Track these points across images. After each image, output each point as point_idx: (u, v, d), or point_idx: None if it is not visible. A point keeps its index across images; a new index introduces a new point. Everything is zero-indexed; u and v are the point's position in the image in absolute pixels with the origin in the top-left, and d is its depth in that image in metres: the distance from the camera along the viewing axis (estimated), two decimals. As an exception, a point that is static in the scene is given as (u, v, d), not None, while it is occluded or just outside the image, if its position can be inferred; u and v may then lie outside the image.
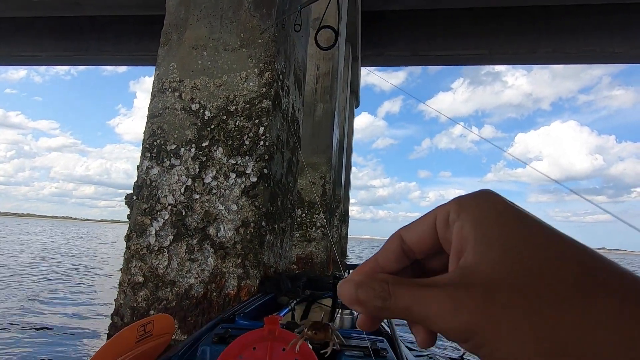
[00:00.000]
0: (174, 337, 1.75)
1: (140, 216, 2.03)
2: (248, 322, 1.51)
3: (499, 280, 0.18)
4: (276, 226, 2.21)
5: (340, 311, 1.41)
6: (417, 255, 0.24)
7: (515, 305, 0.17)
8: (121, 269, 2.00)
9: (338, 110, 6.22)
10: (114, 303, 1.97)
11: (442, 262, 0.24)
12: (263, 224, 1.99)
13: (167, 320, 1.30)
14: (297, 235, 4.88)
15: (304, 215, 4.96)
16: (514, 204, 0.21)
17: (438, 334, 0.22)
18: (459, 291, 0.19)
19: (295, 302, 1.65)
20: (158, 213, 2.02)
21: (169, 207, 2.02)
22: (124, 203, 2.11)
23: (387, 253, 0.24)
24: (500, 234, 0.19)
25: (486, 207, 0.21)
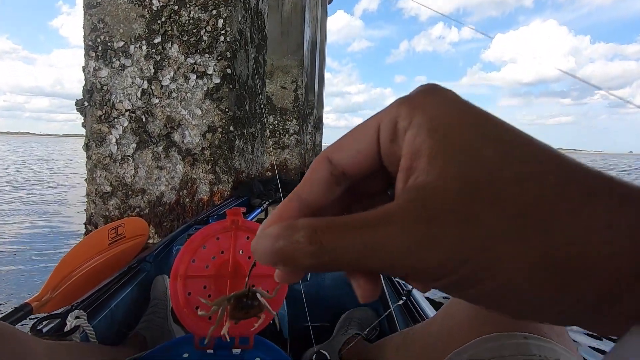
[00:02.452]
0: (151, 240, 1.80)
1: (96, 124, 1.89)
2: (222, 223, 1.55)
3: (475, 200, 0.14)
4: (245, 131, 2.14)
5: None
6: (352, 180, 0.19)
7: (502, 225, 0.14)
8: (86, 180, 1.94)
9: (309, 5, 5.64)
10: (86, 212, 1.96)
11: (380, 182, 0.20)
12: (231, 128, 1.91)
13: (139, 222, 1.31)
14: (271, 142, 4.84)
15: (276, 122, 4.86)
16: (469, 101, 0.17)
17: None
18: (426, 223, 0.14)
19: (267, 202, 1.68)
20: (116, 120, 1.88)
21: (127, 114, 1.88)
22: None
23: (312, 184, 0.19)
24: (464, 140, 0.15)
25: (444, 109, 0.16)
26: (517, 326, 0.37)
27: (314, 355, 0.85)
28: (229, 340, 0.52)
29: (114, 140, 1.88)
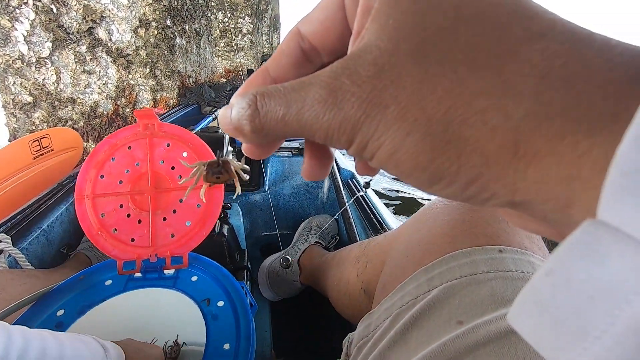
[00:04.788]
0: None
1: (-8, 16, 1.52)
2: (169, 134, 1.41)
3: (396, 50, 0.13)
4: (187, 27, 1.84)
5: None
6: (324, 55, 0.18)
7: (405, 77, 0.13)
8: (-2, 88, 1.64)
9: None
10: (7, 128, 1.71)
11: None
12: (168, 23, 1.62)
13: (69, 133, 1.14)
14: (222, 44, 4.36)
15: (226, 20, 4.30)
16: None
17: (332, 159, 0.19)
18: (341, 78, 0.13)
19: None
20: (18, 11, 1.52)
21: (31, 2, 1.51)
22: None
23: (280, 57, 0.18)
24: None
25: None
26: (492, 240, 0.33)
27: (280, 259, 0.84)
28: (156, 261, 0.47)
29: (21, 37, 1.55)
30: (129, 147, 0.49)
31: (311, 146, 0.18)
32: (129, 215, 0.48)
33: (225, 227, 0.79)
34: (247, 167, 0.42)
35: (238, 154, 0.95)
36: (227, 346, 0.42)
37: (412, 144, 0.13)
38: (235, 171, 0.40)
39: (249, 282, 0.78)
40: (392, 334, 0.32)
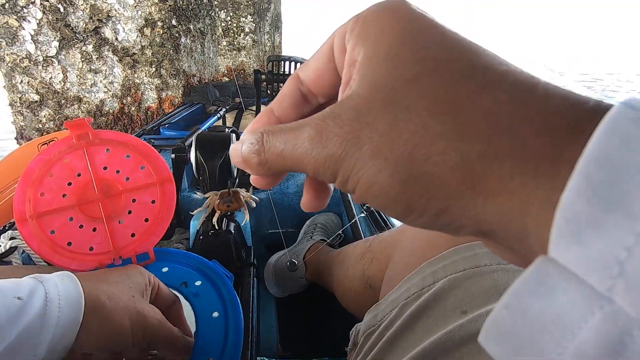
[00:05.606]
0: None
1: (0, 15, 1.54)
2: (175, 132, 1.42)
3: (372, 98, 0.15)
4: (192, 26, 1.85)
5: None
6: (320, 98, 0.20)
7: (378, 120, 0.15)
8: (5, 87, 1.66)
9: None
10: (14, 126, 1.72)
11: None
12: (174, 22, 1.64)
13: (75, 136, 1.15)
14: (225, 43, 4.36)
15: (229, 18, 4.31)
16: (422, 13, 0.16)
17: (330, 192, 0.21)
18: (327, 121, 0.16)
19: (225, 110, 1.55)
20: (25, 10, 1.53)
21: (39, 2, 1.53)
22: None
23: (282, 99, 0.20)
24: (392, 48, 0.15)
25: (389, 22, 0.16)
26: None
27: (287, 262, 0.86)
28: (121, 263, 0.48)
29: (28, 37, 1.56)
30: (66, 160, 0.49)
31: (311, 180, 0.20)
32: (81, 226, 0.48)
33: (232, 225, 0.81)
34: (256, 198, 0.42)
35: (246, 185, 0.97)
36: (215, 314, 0.44)
37: (384, 180, 0.15)
38: (245, 200, 0.41)
39: (255, 278, 0.80)
40: (399, 323, 0.34)
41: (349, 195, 0.94)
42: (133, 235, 0.49)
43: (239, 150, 0.19)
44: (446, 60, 0.15)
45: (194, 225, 0.81)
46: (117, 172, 0.50)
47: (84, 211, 0.48)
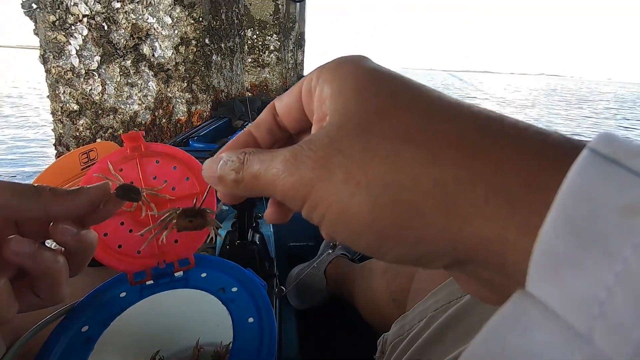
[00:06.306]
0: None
1: (50, 31, 1.66)
2: (203, 144, 1.48)
3: (344, 126, 0.16)
4: (223, 45, 1.95)
5: None
6: (289, 129, 0.23)
7: (351, 147, 0.15)
8: (49, 96, 1.77)
9: None
10: (54, 132, 1.83)
11: None
12: (207, 41, 1.73)
13: (111, 146, 1.23)
14: (250, 60, 4.52)
15: (255, 36, 4.47)
16: (380, 66, 0.18)
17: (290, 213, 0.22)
18: (302, 145, 0.17)
19: (250, 124, 1.61)
20: (73, 27, 1.65)
21: (85, 20, 1.65)
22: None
23: (260, 124, 0.23)
24: (359, 84, 0.17)
25: (351, 68, 0.18)
26: None
27: (309, 275, 0.88)
28: (165, 267, 0.51)
29: (74, 51, 1.68)
30: (121, 169, 0.52)
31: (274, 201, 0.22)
32: (131, 231, 0.50)
33: (257, 236, 0.84)
34: (219, 224, 0.40)
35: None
36: (251, 319, 0.46)
37: (357, 204, 0.14)
38: (212, 225, 0.38)
39: (276, 289, 0.82)
40: (428, 333, 0.36)
41: None
42: (176, 241, 0.53)
43: (214, 167, 0.20)
44: (413, 96, 0.16)
45: (221, 234, 0.85)
46: (165, 182, 0.55)
47: (134, 217, 0.53)
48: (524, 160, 0.13)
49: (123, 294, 0.48)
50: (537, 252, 0.11)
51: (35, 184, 0.25)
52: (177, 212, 0.37)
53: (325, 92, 0.18)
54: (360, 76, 0.17)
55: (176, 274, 0.51)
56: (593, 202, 0.11)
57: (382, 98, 0.16)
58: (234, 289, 0.51)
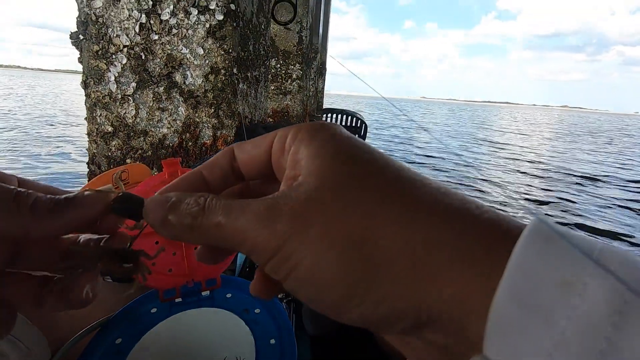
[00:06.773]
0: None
1: (93, 60, 1.80)
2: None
3: (322, 187, 0.17)
4: (249, 74, 2.05)
5: None
6: (246, 177, 0.22)
7: (327, 206, 0.16)
8: (86, 118, 1.89)
9: None
10: (88, 152, 1.94)
11: (273, 188, 0.22)
12: (234, 70, 1.83)
13: (142, 168, 1.30)
14: (272, 87, 4.69)
15: (278, 65, 4.66)
16: (350, 134, 0.19)
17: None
18: (278, 200, 0.17)
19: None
20: (113, 56, 1.79)
21: (125, 50, 1.78)
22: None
23: (214, 167, 0.22)
24: (336, 149, 0.18)
25: (328, 134, 0.19)
26: None
27: None
28: (193, 285, 0.53)
29: (112, 78, 1.81)
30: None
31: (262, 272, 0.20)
32: (163, 249, 0.55)
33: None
34: (149, 270, 0.29)
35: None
36: (272, 341, 0.47)
37: (330, 258, 0.15)
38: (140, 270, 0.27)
39: (294, 314, 0.83)
40: None
41: None
42: None
43: (163, 207, 0.18)
44: (385, 164, 0.17)
45: (241, 257, 0.87)
46: None
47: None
48: (486, 229, 0.14)
49: (154, 310, 0.51)
50: (491, 319, 0.12)
51: (15, 190, 0.19)
52: (106, 251, 0.26)
53: (302, 153, 0.18)
54: (337, 142, 0.18)
55: (203, 293, 0.54)
56: (537, 277, 0.12)
57: (358, 164, 0.17)
58: (257, 311, 0.53)
